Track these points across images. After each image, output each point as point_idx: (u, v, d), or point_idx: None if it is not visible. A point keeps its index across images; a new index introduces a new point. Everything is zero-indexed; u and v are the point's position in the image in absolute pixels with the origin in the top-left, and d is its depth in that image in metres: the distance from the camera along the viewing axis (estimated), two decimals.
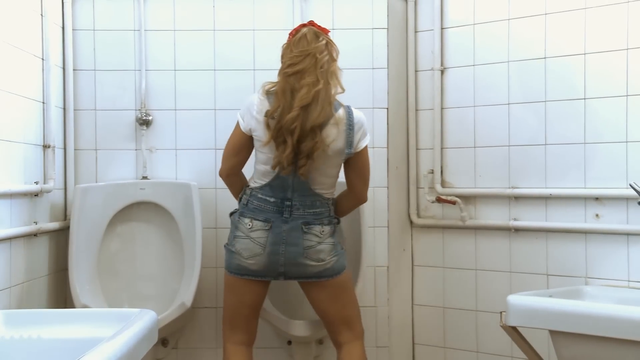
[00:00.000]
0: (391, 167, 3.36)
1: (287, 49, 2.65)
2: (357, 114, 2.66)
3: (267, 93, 2.62)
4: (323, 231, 2.65)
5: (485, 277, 3.28)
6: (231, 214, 2.76)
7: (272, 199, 2.64)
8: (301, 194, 2.64)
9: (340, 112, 2.62)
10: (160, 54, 3.28)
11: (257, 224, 2.63)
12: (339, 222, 2.75)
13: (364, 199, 2.79)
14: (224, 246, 2.74)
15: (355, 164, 2.69)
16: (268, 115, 2.57)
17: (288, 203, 2.63)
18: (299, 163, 2.57)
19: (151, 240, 3.24)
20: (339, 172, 2.71)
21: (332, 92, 2.60)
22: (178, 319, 2.94)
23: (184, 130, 3.29)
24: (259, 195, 2.65)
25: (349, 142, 2.61)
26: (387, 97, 3.33)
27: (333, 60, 2.64)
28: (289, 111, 2.53)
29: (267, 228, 2.62)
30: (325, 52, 2.61)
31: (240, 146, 2.70)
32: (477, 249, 3.31)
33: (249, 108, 2.64)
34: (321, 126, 2.55)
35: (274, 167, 2.60)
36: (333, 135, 2.58)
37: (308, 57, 2.57)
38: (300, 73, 2.56)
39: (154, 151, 3.28)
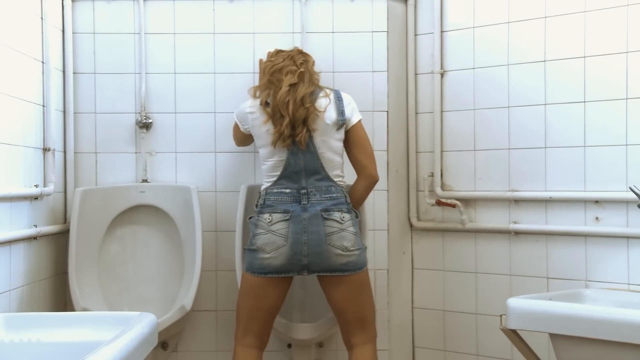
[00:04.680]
0: (391, 170, 3.36)
1: (267, 61, 2.87)
2: (344, 93, 2.84)
3: (255, 96, 2.82)
4: (343, 218, 2.69)
5: (485, 280, 3.28)
6: (250, 217, 2.81)
7: (287, 190, 2.72)
8: (315, 179, 2.72)
9: (327, 89, 2.83)
10: (160, 57, 3.28)
11: (277, 216, 2.68)
12: (357, 216, 2.79)
13: (374, 176, 2.81)
14: (244, 248, 2.76)
15: (354, 138, 2.80)
16: (262, 102, 2.76)
17: (304, 191, 2.71)
18: (296, 132, 2.70)
19: (151, 244, 3.24)
20: (342, 149, 2.81)
21: (315, 78, 2.83)
22: (178, 322, 2.94)
23: (184, 133, 3.29)
24: (275, 190, 2.73)
25: (340, 110, 2.76)
26: (387, 100, 3.33)
27: (308, 61, 2.84)
28: (280, 90, 2.73)
29: (287, 218, 2.67)
30: (301, 55, 2.85)
31: (244, 137, 2.96)
32: (477, 252, 3.31)
33: (242, 110, 2.85)
34: (311, 95, 2.74)
35: (274, 142, 2.71)
36: (325, 104, 2.76)
37: (287, 58, 2.82)
38: (281, 69, 2.79)
39: (153, 154, 3.28)
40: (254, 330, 2.74)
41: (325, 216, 2.68)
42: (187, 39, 3.29)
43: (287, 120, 2.69)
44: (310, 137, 2.72)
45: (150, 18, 3.28)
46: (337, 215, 2.69)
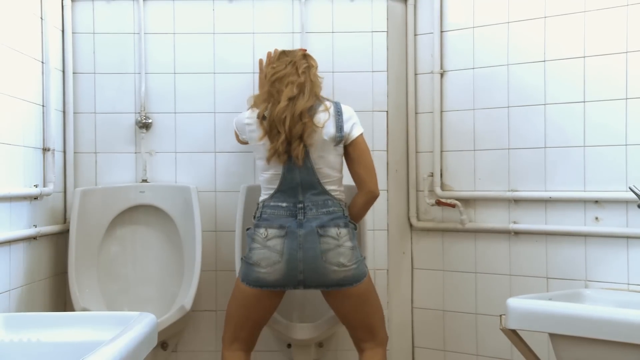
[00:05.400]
0: (391, 170, 3.36)
1: (268, 65, 2.81)
2: (345, 106, 2.75)
3: (255, 105, 2.76)
4: (339, 233, 2.65)
5: (485, 280, 3.28)
6: (247, 229, 2.78)
7: (284, 204, 2.68)
8: (312, 193, 2.67)
9: (328, 102, 2.74)
10: (160, 57, 3.28)
11: (272, 232, 2.65)
12: (356, 228, 2.75)
13: (374, 191, 2.76)
14: (241, 259, 2.75)
15: (354, 153, 2.74)
16: (259, 115, 2.69)
17: (300, 205, 2.67)
18: (292, 147, 2.64)
19: (151, 244, 3.24)
20: (341, 164, 2.76)
21: (316, 88, 2.73)
22: (177, 322, 2.94)
23: (184, 133, 3.29)
24: (271, 204, 2.69)
25: (339, 126, 2.69)
26: (386, 100, 3.33)
27: (312, 66, 2.76)
28: (278, 104, 2.65)
29: (282, 235, 2.64)
30: (304, 61, 2.76)
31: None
32: (476, 252, 3.31)
33: (241, 120, 2.80)
34: (310, 110, 2.66)
35: (269, 159, 2.66)
36: (324, 119, 2.67)
37: (289, 65, 2.73)
38: (284, 77, 2.71)
39: (153, 154, 3.28)
40: (242, 337, 2.74)
41: (321, 233, 2.63)
42: (187, 39, 3.29)
43: (282, 137, 2.62)
44: (307, 153, 2.66)
45: (150, 18, 3.28)
46: (333, 231, 2.64)
